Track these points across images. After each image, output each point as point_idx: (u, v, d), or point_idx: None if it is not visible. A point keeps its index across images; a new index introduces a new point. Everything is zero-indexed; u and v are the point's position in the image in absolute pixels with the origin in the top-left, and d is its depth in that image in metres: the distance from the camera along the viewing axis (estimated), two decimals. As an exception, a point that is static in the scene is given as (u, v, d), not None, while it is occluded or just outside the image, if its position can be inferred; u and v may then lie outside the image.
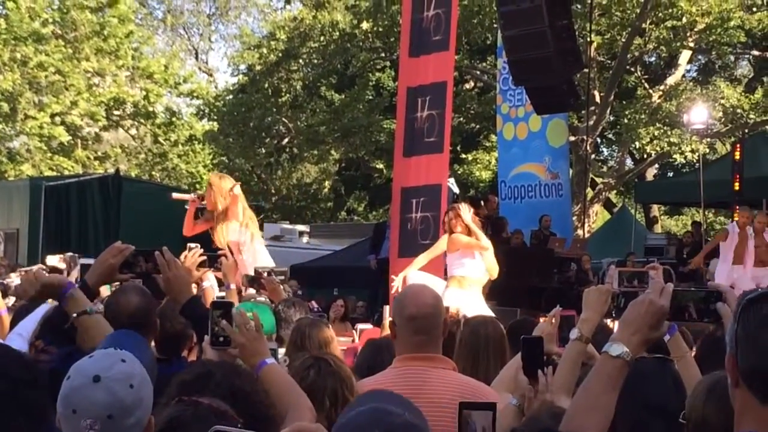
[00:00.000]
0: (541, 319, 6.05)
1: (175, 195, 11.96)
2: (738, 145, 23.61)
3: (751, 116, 33.06)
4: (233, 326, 4.35)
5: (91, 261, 6.59)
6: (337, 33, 38.76)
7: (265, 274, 9.16)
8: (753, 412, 2.71)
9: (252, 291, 8.86)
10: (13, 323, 6.72)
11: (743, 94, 34.18)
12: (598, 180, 37.57)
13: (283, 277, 9.16)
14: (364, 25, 37.19)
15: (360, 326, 12.57)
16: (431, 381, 4.81)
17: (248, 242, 11.56)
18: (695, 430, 3.70)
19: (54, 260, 9.02)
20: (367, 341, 6.12)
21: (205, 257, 6.87)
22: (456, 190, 22.04)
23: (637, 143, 35.69)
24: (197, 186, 41.49)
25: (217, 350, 4.46)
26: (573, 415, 3.43)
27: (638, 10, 32.12)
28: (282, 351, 6.17)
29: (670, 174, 42.86)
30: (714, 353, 5.38)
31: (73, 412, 3.11)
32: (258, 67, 42.65)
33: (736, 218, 18.38)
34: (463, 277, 12.04)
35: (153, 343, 5.66)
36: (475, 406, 4.10)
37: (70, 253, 10.33)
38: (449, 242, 12.20)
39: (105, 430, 3.10)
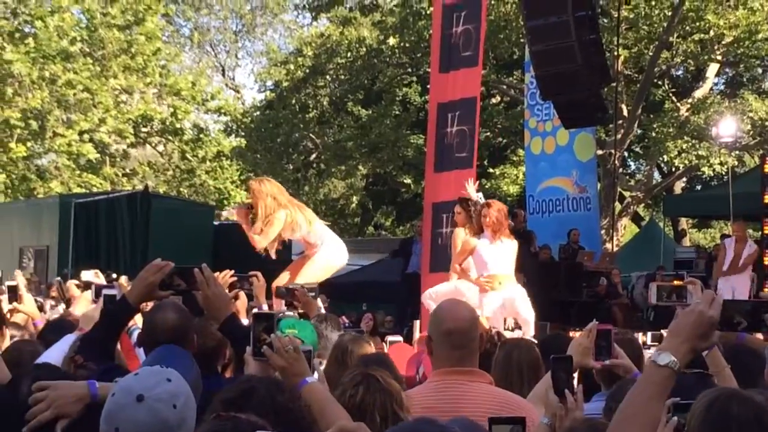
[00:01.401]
0: (572, 333, 6.05)
1: (226, 214, 11.88)
2: (767, 158, 23.50)
3: (780, 129, 32.95)
4: (273, 348, 4.37)
5: (114, 291, 6.61)
6: (364, 49, 38.81)
7: (291, 287, 9.20)
8: None
9: (284, 308, 8.88)
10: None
11: (771, 106, 34.04)
12: (626, 194, 37.48)
13: (313, 294, 9.17)
14: (391, 41, 37.24)
15: (390, 338, 12.55)
16: (470, 394, 4.81)
17: (306, 226, 11.53)
18: None
19: (89, 275, 8.99)
20: (360, 357, 6.11)
21: (235, 278, 6.91)
22: (482, 201, 22.01)
23: (665, 156, 35.58)
24: (225, 202, 41.58)
25: (259, 362, 4.49)
26: (618, 423, 3.42)
27: (665, 24, 32.06)
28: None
29: (699, 187, 42.66)
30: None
31: (115, 430, 3.12)
32: (285, 84, 42.72)
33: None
34: (492, 276, 11.99)
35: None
36: (504, 420, 4.12)
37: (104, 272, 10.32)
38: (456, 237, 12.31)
39: (147, 450, 3.10)
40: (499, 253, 11.94)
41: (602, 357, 5.29)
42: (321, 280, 11.39)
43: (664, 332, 6.89)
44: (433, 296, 12.45)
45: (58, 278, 14.30)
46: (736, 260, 18.62)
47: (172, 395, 3.18)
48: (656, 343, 7.14)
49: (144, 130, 41.26)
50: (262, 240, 11.37)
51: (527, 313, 11.80)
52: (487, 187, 37.03)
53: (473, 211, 12.36)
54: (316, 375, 4.51)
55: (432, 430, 3.14)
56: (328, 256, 11.77)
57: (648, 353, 6.40)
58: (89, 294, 7.45)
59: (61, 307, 11.71)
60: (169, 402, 3.15)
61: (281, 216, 11.36)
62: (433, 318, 5.17)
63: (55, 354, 5.69)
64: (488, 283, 11.93)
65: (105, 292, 6.64)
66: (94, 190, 35.68)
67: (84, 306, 7.11)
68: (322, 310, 8.93)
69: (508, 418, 4.21)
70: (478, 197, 12.59)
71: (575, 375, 4.75)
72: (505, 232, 12.04)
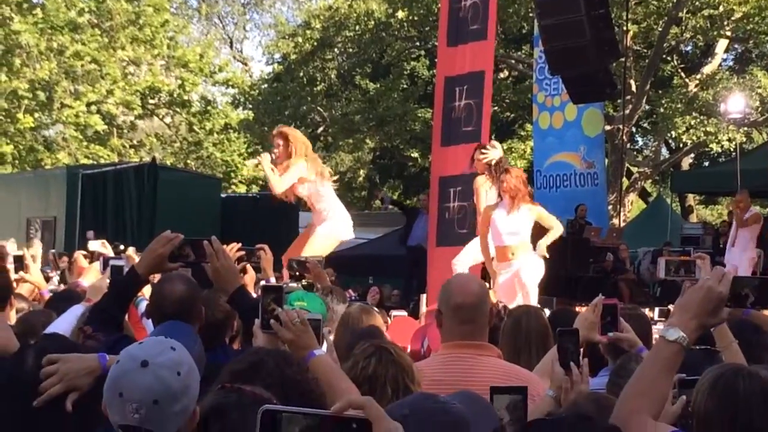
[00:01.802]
0: (578, 309, 6.05)
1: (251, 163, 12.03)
2: (775, 135, 23.49)
3: (789, 106, 32.88)
4: (281, 320, 4.38)
5: (121, 262, 6.63)
6: (372, 22, 38.71)
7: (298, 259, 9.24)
8: None
9: (293, 285, 8.90)
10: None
11: (780, 83, 33.95)
12: (634, 169, 37.44)
13: (315, 260, 9.21)
14: (399, 14, 37.10)
15: (394, 312, 12.56)
16: (477, 368, 4.82)
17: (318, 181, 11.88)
18: (699, 424, 3.70)
19: (96, 245, 8.99)
20: (351, 333, 6.13)
21: (243, 252, 6.93)
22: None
23: (673, 132, 35.52)
24: (232, 174, 41.58)
25: (267, 334, 4.51)
26: (627, 397, 3.43)
27: (675, -1, 31.98)
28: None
29: (706, 163, 42.60)
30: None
31: (119, 396, 3.13)
32: (293, 56, 42.64)
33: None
34: (505, 247, 12.04)
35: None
36: (506, 390, 4.14)
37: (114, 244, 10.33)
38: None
39: (149, 416, 3.12)
40: (515, 223, 11.91)
41: (608, 331, 5.31)
42: (326, 252, 11.48)
43: (671, 307, 6.89)
44: (457, 264, 12.52)
45: (53, 250, 14.30)
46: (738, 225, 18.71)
47: (176, 363, 3.19)
48: (663, 319, 7.15)
49: (151, 101, 41.29)
50: (281, 183, 11.61)
51: (528, 278, 11.78)
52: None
53: (494, 165, 12.39)
54: (324, 346, 4.52)
55: (433, 407, 3.17)
56: (333, 228, 11.89)
57: (655, 329, 6.42)
58: (98, 265, 7.48)
59: (56, 278, 11.77)
60: (173, 369, 3.16)
61: (301, 164, 11.60)
62: (443, 292, 5.19)
63: (62, 324, 5.70)
64: (501, 262, 11.98)
65: (112, 263, 6.66)
66: (102, 161, 35.71)
67: (93, 277, 7.12)
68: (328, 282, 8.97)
69: (509, 388, 4.22)
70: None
71: (582, 349, 4.75)
72: (525, 199, 11.99)
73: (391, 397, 4.25)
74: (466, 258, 12.74)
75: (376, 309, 7.57)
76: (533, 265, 11.92)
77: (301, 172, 11.73)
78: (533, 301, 11.41)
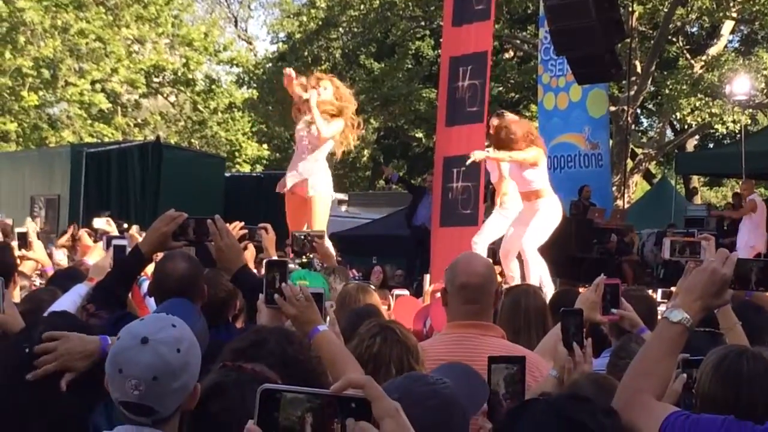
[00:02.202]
0: (581, 290, 6.04)
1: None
2: (781, 117, 23.45)
3: (794, 87, 32.83)
4: (284, 295, 4.39)
5: (124, 242, 6.64)
6: (377, 1, 38.59)
7: (302, 237, 9.22)
8: None
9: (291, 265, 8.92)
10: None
11: (786, 65, 33.90)
12: (638, 151, 37.38)
13: (321, 240, 9.21)
14: (405, -6, 37.07)
15: (396, 291, 12.54)
16: (481, 348, 4.81)
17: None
18: (703, 403, 3.71)
19: (101, 222, 9.02)
20: (349, 312, 6.13)
21: (245, 231, 6.93)
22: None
23: (678, 114, 35.47)
24: (236, 154, 41.58)
25: (271, 309, 4.51)
26: (631, 377, 3.43)
27: (681, -20, 31.89)
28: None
29: (711, 145, 42.54)
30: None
31: (119, 372, 3.14)
32: (297, 36, 42.57)
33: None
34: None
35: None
36: (503, 359, 4.14)
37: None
38: None
39: (149, 392, 3.13)
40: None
41: (609, 311, 5.31)
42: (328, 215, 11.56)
43: (673, 289, 6.88)
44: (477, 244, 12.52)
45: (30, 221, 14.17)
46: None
47: (177, 340, 3.20)
48: (666, 300, 7.14)
49: (156, 80, 41.28)
50: (328, 129, 11.62)
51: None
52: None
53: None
54: (327, 321, 4.52)
55: (423, 391, 3.17)
56: (327, 188, 11.83)
57: (659, 310, 6.42)
58: (102, 244, 7.49)
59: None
60: (173, 346, 3.17)
61: (340, 124, 11.67)
62: (450, 271, 5.19)
63: (66, 303, 5.70)
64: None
65: (115, 242, 6.67)
66: (106, 139, 35.77)
67: (98, 256, 7.13)
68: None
69: (507, 357, 4.23)
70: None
71: (584, 330, 4.75)
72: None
73: (395, 376, 4.25)
74: (486, 237, 12.71)
75: (373, 287, 7.57)
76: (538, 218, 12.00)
77: (339, 131, 11.70)
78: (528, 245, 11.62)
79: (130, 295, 5.44)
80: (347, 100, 11.82)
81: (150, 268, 6.09)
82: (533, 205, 12.04)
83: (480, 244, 12.46)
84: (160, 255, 5.61)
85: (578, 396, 2.96)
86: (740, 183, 19.56)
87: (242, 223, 7.00)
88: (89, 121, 38.04)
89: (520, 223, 12.13)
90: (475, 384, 3.74)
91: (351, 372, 4.03)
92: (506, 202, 12.80)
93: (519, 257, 12.09)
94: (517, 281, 11.47)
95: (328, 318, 4.57)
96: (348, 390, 2.02)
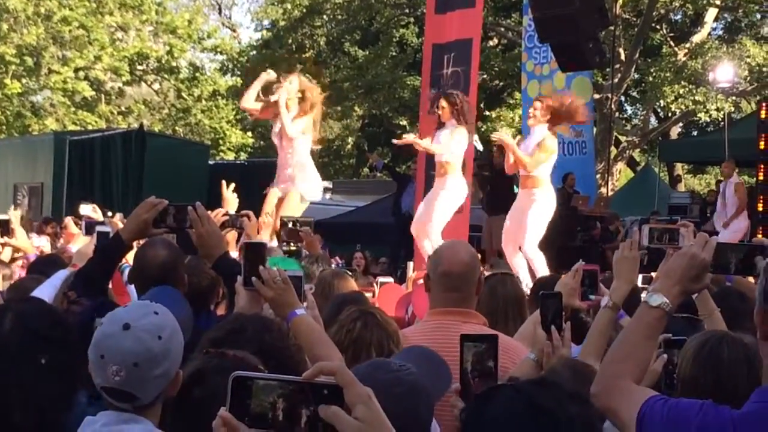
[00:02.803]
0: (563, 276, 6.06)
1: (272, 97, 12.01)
2: (764, 104, 23.37)
3: (777, 75, 32.90)
4: (262, 278, 4.40)
5: (107, 228, 6.64)
6: (362, -12, 38.59)
7: (290, 225, 9.23)
8: None
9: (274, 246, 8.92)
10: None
11: (770, 52, 33.98)
12: (622, 138, 37.42)
13: (308, 228, 9.22)
14: (389, -19, 37.05)
15: (381, 279, 12.56)
16: (463, 335, 4.84)
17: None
18: (684, 388, 3.73)
19: (87, 209, 8.99)
20: (335, 298, 6.14)
21: (227, 217, 6.94)
22: (480, 147, 21.99)
23: (661, 101, 35.51)
24: (220, 141, 41.52)
25: (249, 291, 4.51)
26: (610, 362, 3.44)
27: (665, -33, 31.91)
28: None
29: (695, 133, 42.63)
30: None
31: (101, 357, 3.17)
32: (282, 23, 42.51)
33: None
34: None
35: (180, 297, 5.71)
36: (475, 338, 4.16)
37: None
38: None
39: (130, 378, 3.16)
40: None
41: (588, 297, 5.33)
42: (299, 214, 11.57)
43: (653, 274, 6.91)
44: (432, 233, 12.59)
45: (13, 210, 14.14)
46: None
47: (158, 327, 3.22)
48: (647, 285, 7.17)
49: (140, 68, 41.21)
50: (293, 128, 11.89)
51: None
52: (483, 129, 36.97)
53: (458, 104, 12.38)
54: (306, 304, 4.52)
55: (387, 378, 3.19)
56: (305, 191, 11.88)
57: (641, 296, 6.45)
58: (82, 230, 7.48)
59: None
60: (155, 333, 3.19)
61: (307, 120, 11.92)
62: (432, 258, 5.23)
63: (47, 289, 5.70)
64: None
65: (98, 228, 6.66)
66: (89, 127, 35.70)
67: (82, 243, 7.12)
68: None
69: (479, 336, 4.24)
70: (475, 141, 12.66)
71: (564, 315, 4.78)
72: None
73: None
74: (437, 223, 12.78)
75: (350, 274, 7.58)
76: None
77: (310, 125, 11.90)
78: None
79: (111, 283, 5.44)
80: (311, 90, 11.92)
81: (131, 256, 6.09)
82: (529, 193, 12.17)
83: (434, 233, 12.56)
84: (141, 242, 5.61)
85: (547, 382, 2.96)
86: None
87: (224, 210, 7.00)
88: (73, 109, 37.98)
89: (517, 213, 12.28)
90: (437, 368, 3.77)
91: (329, 355, 4.05)
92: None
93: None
94: (524, 276, 11.57)
95: (306, 302, 4.57)
96: (320, 377, 2.03)
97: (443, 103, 12.32)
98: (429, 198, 12.58)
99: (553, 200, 12.49)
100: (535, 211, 12.15)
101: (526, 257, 12.17)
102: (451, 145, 12.21)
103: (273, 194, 11.97)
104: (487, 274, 6.66)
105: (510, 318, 6.07)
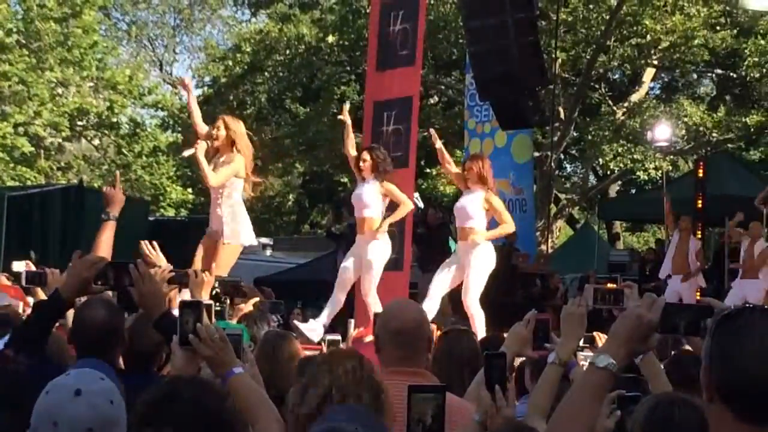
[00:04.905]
0: (506, 336, 6.05)
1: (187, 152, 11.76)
2: (701, 163, 23.75)
3: (714, 134, 33.36)
4: (200, 336, 4.32)
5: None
6: (303, 46, 38.65)
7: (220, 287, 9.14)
8: (727, 428, 2.73)
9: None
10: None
11: (706, 112, 34.45)
12: (562, 196, 37.70)
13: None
14: (330, 39, 37.18)
15: (329, 337, 12.47)
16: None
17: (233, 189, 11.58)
18: None
19: (20, 266, 8.90)
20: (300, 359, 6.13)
21: (173, 274, 6.87)
22: (420, 204, 22.03)
23: (600, 160, 35.84)
24: (161, 198, 41.31)
25: (186, 351, 4.41)
26: (555, 423, 3.43)
27: (603, 28, 32.28)
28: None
29: (633, 191, 43.03)
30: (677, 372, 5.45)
31: (54, 425, 3.10)
32: (223, 80, 42.54)
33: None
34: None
35: (121, 358, 5.64)
36: (424, 389, 4.13)
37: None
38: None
39: (83, 444, 3.09)
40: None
41: (541, 347, 5.33)
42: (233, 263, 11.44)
43: (595, 334, 6.93)
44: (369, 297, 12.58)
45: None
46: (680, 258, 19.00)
47: (108, 391, 3.19)
48: (587, 345, 7.18)
49: (80, 123, 40.96)
50: (217, 178, 11.45)
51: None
52: (423, 187, 37.13)
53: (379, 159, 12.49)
54: (246, 364, 4.47)
55: None
56: (242, 236, 11.67)
57: (580, 355, 6.45)
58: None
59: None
60: (107, 397, 3.16)
61: (240, 161, 11.40)
62: (382, 316, 5.22)
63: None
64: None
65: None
66: (28, 183, 35.37)
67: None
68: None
69: (428, 386, 4.22)
70: (416, 198, 12.73)
71: (509, 374, 4.77)
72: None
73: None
74: (370, 285, 12.81)
75: (294, 335, 7.55)
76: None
77: (239, 169, 11.50)
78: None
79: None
80: (240, 140, 11.66)
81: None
82: (468, 245, 12.24)
83: (371, 297, 12.70)
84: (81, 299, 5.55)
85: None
86: (680, 220, 19.71)
87: (170, 267, 6.94)
88: (11, 164, 37.64)
89: (453, 265, 12.35)
90: (376, 424, 3.73)
91: (267, 417, 4.01)
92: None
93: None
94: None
95: (247, 363, 4.51)
96: None
97: (366, 156, 12.43)
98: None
99: (493, 254, 12.58)
100: (477, 268, 12.21)
101: (468, 313, 12.21)
102: (377, 201, 12.33)
103: (200, 248, 11.79)
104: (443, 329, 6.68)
105: (466, 378, 6.04)
